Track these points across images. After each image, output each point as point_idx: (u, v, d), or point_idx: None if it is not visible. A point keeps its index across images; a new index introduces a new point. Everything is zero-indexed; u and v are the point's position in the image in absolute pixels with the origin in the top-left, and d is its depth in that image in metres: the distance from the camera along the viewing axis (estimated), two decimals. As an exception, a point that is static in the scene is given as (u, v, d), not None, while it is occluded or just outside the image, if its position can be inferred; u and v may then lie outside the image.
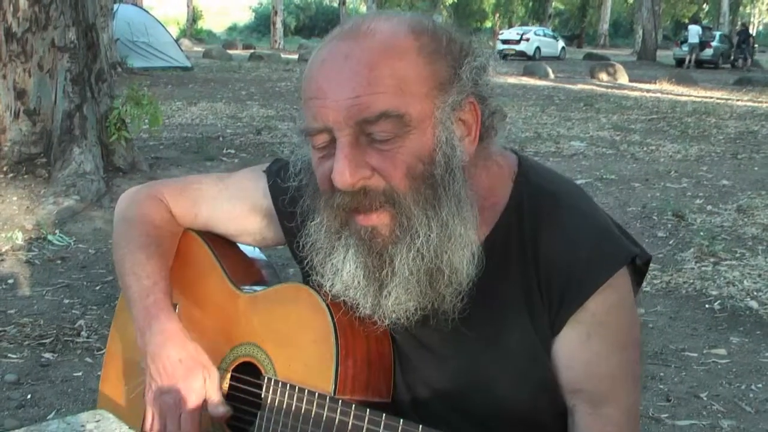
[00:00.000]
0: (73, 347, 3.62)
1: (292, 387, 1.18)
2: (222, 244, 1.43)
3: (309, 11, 61.74)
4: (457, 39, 1.12)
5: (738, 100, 16.27)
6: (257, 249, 1.49)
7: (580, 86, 18.73)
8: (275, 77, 18.64)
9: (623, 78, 21.06)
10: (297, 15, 60.97)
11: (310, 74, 1.10)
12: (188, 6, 46.06)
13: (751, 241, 5.59)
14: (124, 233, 1.41)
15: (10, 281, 4.46)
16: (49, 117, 6.08)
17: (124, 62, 16.58)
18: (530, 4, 55.43)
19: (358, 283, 1.12)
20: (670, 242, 5.60)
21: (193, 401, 1.24)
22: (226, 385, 1.32)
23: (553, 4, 52.41)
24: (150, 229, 1.39)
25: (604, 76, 21.21)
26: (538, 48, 33.09)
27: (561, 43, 35.87)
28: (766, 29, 70.23)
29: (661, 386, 3.44)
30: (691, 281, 4.76)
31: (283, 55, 27.28)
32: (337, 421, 1.11)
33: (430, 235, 1.08)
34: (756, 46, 36.89)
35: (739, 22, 41.71)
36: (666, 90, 18.40)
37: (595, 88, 18.49)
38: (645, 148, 9.74)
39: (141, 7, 21.89)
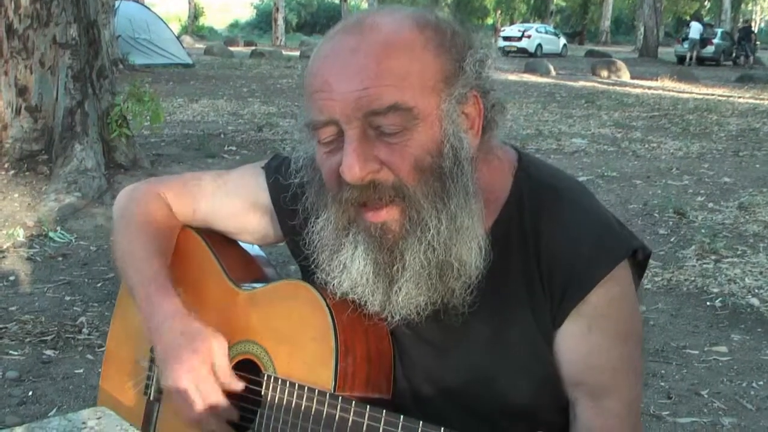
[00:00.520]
0: (74, 344, 3.63)
1: (292, 384, 1.17)
2: (221, 242, 1.43)
3: (310, 8, 61.62)
4: (460, 32, 1.12)
5: (740, 97, 16.25)
6: (256, 246, 1.49)
7: (581, 83, 18.71)
8: (277, 74, 18.64)
9: (625, 75, 21.04)
10: (298, 12, 60.87)
11: (315, 69, 1.09)
12: (190, 3, 45.96)
13: (752, 239, 5.58)
14: (124, 229, 1.40)
15: (12, 278, 4.47)
16: (51, 114, 6.08)
17: (126, 59, 16.60)
18: (532, 1, 55.35)
19: (367, 280, 1.12)
20: (672, 239, 5.60)
21: (201, 362, 1.20)
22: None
23: (555, 1, 52.38)
24: (149, 224, 1.39)
25: (605, 73, 21.20)
26: (539, 45, 33.02)
27: (563, 40, 35.77)
28: (768, 26, 70.07)
29: (662, 383, 3.44)
30: (693, 279, 4.76)
31: (284, 52, 27.27)
32: (337, 417, 1.11)
33: (440, 228, 1.08)
34: (758, 43, 36.78)
35: (741, 20, 41.66)
36: (667, 87, 18.38)
37: (596, 85, 18.47)
38: (646, 146, 9.74)
39: (142, 4, 21.88)
